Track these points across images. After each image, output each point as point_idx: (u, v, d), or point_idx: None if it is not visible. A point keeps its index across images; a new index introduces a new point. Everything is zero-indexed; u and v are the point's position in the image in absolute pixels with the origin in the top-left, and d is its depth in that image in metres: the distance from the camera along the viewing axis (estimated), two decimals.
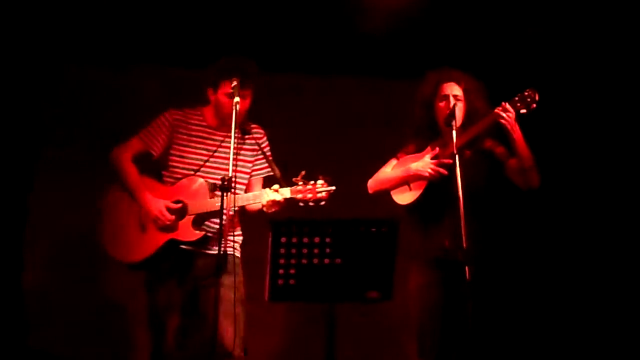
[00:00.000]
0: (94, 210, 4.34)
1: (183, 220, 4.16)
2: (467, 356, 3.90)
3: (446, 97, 4.25)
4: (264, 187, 4.28)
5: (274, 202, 4.08)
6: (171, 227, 4.15)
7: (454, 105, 4.15)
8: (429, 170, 4.18)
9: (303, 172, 4.06)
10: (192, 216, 4.15)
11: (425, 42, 5.57)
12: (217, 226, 4.15)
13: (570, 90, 5.53)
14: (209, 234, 4.18)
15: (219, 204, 4.05)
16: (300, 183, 4.06)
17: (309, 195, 4.05)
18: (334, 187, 4.07)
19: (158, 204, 4.16)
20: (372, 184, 4.41)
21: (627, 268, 5.50)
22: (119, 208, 4.26)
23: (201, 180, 4.18)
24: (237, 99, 4.01)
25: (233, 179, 3.94)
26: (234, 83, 4.06)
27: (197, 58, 4.35)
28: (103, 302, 5.51)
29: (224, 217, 4.12)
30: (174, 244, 4.16)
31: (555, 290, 5.59)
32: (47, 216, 5.50)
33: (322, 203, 4.07)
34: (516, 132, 4.09)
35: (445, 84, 4.28)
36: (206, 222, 4.19)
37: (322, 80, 5.75)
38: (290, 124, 5.43)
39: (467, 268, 3.76)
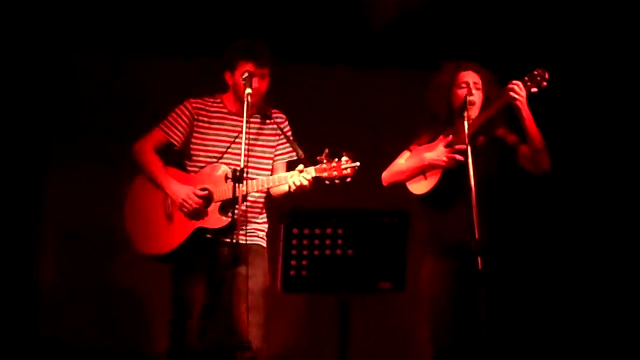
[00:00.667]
0: (114, 203, 4.35)
1: (209, 208, 4.14)
2: (479, 345, 3.91)
3: (466, 85, 4.23)
4: (288, 169, 4.26)
5: (302, 187, 4.04)
6: (198, 215, 4.13)
7: (467, 96, 4.15)
8: (444, 159, 4.16)
9: (327, 150, 4.03)
10: (219, 203, 4.13)
11: (427, 33, 5.58)
12: (250, 203, 4.19)
13: (578, 79, 5.51)
14: (240, 217, 4.12)
15: (252, 186, 4.08)
16: (325, 161, 4.04)
17: (335, 173, 4.02)
18: (358, 163, 4.03)
19: (184, 189, 4.14)
20: (386, 176, 4.38)
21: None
22: (142, 201, 4.25)
23: (224, 166, 4.16)
24: (248, 90, 4.02)
25: (245, 170, 3.93)
26: (245, 75, 4.08)
27: (212, 47, 4.35)
28: (116, 292, 5.55)
29: (247, 203, 4.16)
30: (201, 233, 4.14)
31: (568, 280, 5.59)
32: (59, 207, 5.54)
33: (348, 180, 4.04)
34: (527, 112, 4.07)
35: (463, 72, 4.27)
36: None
37: (324, 69, 5.77)
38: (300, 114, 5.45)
39: (479, 258, 3.77)
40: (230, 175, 3.93)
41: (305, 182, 4.04)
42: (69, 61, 5.60)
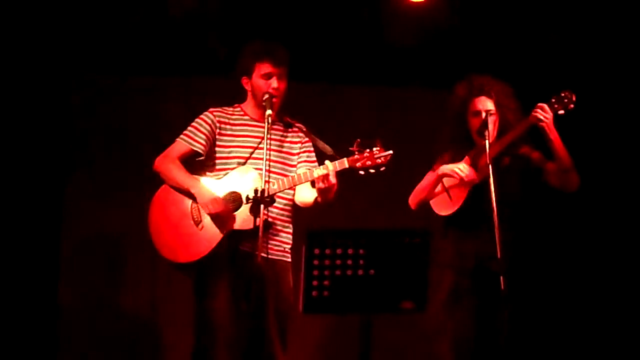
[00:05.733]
0: (133, 221, 4.32)
1: (240, 210, 4.04)
2: None
3: (478, 114, 4.23)
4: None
5: (324, 177, 3.92)
6: (228, 219, 4.05)
7: (487, 116, 4.15)
8: (457, 170, 4.15)
9: (358, 140, 3.97)
10: (249, 204, 3.97)
11: (450, 50, 5.59)
12: (278, 210, 4.12)
13: (599, 94, 5.49)
14: (270, 220, 4.08)
15: (276, 186, 4.01)
16: (357, 151, 3.97)
17: (368, 163, 3.96)
18: (391, 152, 3.97)
19: (210, 194, 4.05)
20: (411, 198, 4.39)
21: None
22: (168, 210, 4.14)
23: (252, 168, 4.09)
24: (268, 111, 4.01)
25: (268, 175, 3.89)
26: (265, 96, 4.08)
27: (229, 68, 4.36)
28: (134, 315, 5.55)
29: (276, 210, 4.09)
30: (233, 239, 4.04)
31: (593, 300, 5.54)
32: (78, 228, 5.56)
33: (382, 169, 3.97)
34: (554, 134, 4.08)
35: (476, 99, 4.26)
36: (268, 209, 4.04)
37: (345, 88, 5.79)
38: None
39: (501, 278, 3.76)
40: (251, 197, 3.90)
41: (336, 168, 3.93)
42: (87, 81, 5.63)
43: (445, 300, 4.20)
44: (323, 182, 3.95)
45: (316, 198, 4.11)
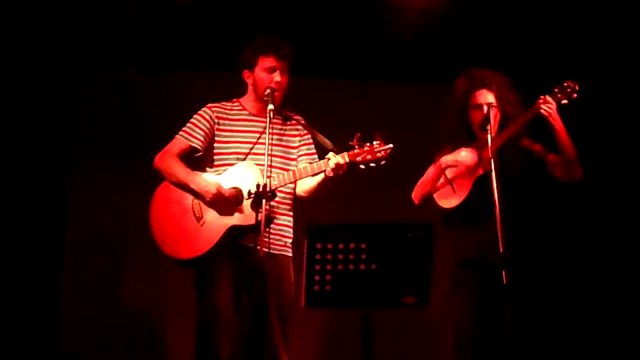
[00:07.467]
0: (136, 216, 4.33)
1: (241, 206, 4.05)
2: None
3: (479, 107, 4.23)
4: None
5: (339, 165, 3.96)
6: (230, 208, 4.04)
7: (489, 109, 4.14)
8: (459, 158, 4.15)
9: (358, 134, 3.99)
10: (250, 199, 3.98)
11: (453, 43, 5.58)
12: (277, 204, 4.11)
13: (602, 87, 5.48)
14: (272, 215, 4.06)
15: (277, 181, 4.01)
16: (357, 146, 3.99)
17: (368, 157, 3.98)
18: (391, 145, 3.99)
19: (212, 184, 4.05)
20: (415, 193, 4.39)
21: None
22: (169, 207, 4.15)
23: (252, 163, 4.10)
24: (270, 106, 4.00)
25: (269, 170, 3.89)
26: (268, 91, 4.08)
27: (233, 61, 4.36)
28: (136, 308, 5.56)
29: (274, 203, 4.05)
30: (234, 235, 4.05)
31: (596, 294, 5.54)
32: (81, 221, 5.56)
33: (383, 163, 3.99)
34: (558, 124, 4.07)
35: (477, 92, 4.26)
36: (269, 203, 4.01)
37: (356, 84, 5.76)
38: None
39: (504, 272, 3.75)
40: (253, 191, 3.88)
41: (342, 161, 3.95)
42: (89, 77, 5.64)
43: (447, 294, 4.20)
44: (339, 170, 3.96)
45: (320, 183, 4.12)
